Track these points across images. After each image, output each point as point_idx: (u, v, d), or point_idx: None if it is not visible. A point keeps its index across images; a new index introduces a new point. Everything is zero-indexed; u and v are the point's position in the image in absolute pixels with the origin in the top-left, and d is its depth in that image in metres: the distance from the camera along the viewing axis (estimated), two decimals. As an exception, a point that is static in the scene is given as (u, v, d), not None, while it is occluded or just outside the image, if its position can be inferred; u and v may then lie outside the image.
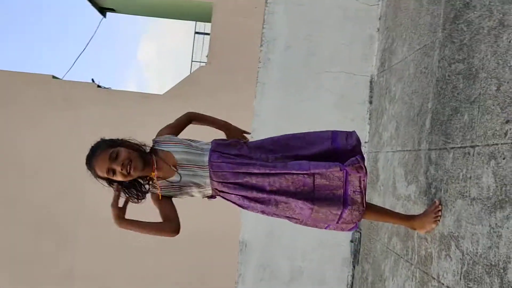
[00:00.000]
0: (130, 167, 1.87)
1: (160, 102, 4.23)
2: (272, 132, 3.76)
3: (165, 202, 2.03)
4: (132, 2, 5.51)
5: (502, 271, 1.58)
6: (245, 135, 2.28)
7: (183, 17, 6.31)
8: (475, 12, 2.03)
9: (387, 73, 3.43)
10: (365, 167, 1.97)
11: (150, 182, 2.01)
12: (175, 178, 1.98)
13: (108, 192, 1.95)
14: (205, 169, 1.97)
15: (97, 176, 1.92)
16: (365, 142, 3.75)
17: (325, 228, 2.04)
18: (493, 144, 1.76)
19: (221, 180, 1.98)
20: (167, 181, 1.99)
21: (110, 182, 1.93)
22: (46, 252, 4.00)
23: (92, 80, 4.42)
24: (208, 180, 1.99)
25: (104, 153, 1.87)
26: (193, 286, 4.00)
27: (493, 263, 1.65)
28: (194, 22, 8.59)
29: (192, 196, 2.07)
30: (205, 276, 3.99)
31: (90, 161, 1.91)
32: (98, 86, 4.22)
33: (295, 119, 3.80)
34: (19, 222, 4.00)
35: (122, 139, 1.98)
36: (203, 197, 2.07)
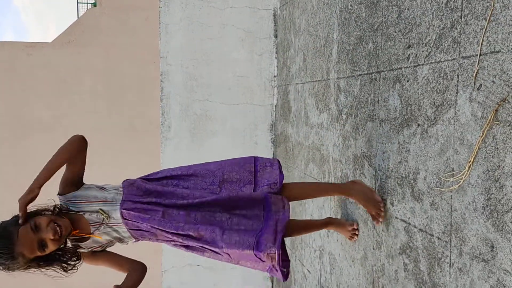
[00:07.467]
0: (60, 229, 1.66)
1: (49, 51, 3.87)
2: (179, 73, 3.71)
3: (101, 255, 1.89)
4: None
5: (412, 181, 1.79)
6: None
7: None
8: None
9: (290, 6, 3.47)
10: (279, 251, 1.78)
11: (70, 247, 1.79)
12: (95, 239, 1.81)
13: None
14: (120, 225, 1.83)
15: (26, 262, 1.64)
16: (274, 76, 3.83)
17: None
18: (397, 69, 1.91)
19: (138, 236, 1.88)
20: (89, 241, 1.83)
21: (39, 262, 1.68)
22: None
23: None
24: (127, 234, 1.87)
25: (23, 231, 1.62)
26: None
27: (403, 175, 1.86)
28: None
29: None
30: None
31: (12, 250, 1.60)
32: None
33: (202, 58, 3.75)
34: None
35: (20, 214, 1.63)
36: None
